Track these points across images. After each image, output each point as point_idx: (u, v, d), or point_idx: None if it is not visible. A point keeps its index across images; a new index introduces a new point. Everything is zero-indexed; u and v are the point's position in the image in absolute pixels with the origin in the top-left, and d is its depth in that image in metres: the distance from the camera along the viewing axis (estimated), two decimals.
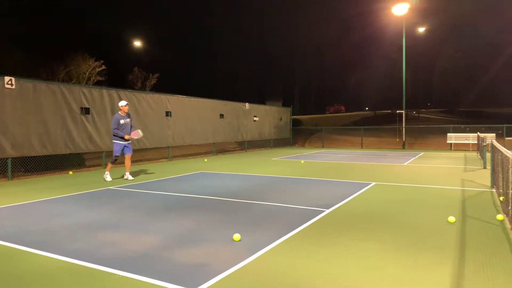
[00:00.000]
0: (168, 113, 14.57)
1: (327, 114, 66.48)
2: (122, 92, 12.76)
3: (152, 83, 38.80)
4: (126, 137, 8.94)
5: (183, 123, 15.34)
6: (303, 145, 25.17)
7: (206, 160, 14.21)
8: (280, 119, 24.03)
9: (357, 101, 74.28)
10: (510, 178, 4.87)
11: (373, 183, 8.18)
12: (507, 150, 5.29)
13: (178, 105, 15.20)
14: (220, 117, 17.76)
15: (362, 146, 22.85)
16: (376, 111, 55.89)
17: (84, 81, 31.23)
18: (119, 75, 38.96)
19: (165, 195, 7.09)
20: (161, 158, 14.79)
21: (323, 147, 23.37)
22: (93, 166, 12.21)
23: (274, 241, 4.13)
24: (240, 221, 5.06)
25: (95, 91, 11.91)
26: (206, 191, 7.41)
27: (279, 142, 23.65)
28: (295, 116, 32.02)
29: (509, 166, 4.89)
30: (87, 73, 32.45)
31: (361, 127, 25.27)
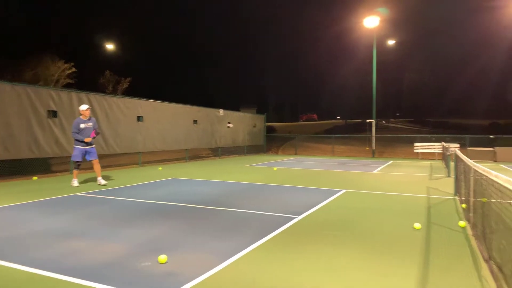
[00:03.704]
0: (139, 118, 14.31)
1: (300, 122, 67.32)
2: (92, 96, 12.43)
3: (124, 87, 38.06)
4: (86, 140, 8.62)
5: (155, 129, 15.09)
6: (276, 152, 25.33)
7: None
8: (254, 126, 24.10)
9: (330, 110, 75.74)
10: (471, 186, 5.09)
11: (343, 191, 8.33)
12: (469, 160, 5.53)
13: (150, 110, 14.96)
14: (194, 123, 17.61)
15: (333, 153, 23.26)
16: (348, 120, 57.16)
17: (53, 84, 30.23)
18: (90, 78, 37.95)
19: (134, 201, 6.92)
20: (131, 164, 14.47)
21: (295, 154, 23.60)
22: (60, 171, 11.78)
23: (245, 248, 4.11)
24: (211, 228, 5.01)
25: (64, 94, 11.54)
26: (177, 198, 7.30)
27: (253, 149, 23.69)
28: (269, 123, 32.21)
29: (471, 175, 5.11)
30: (56, 75, 31.43)
31: (333, 135, 25.75)
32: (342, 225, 5.26)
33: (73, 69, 32.19)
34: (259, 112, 34.12)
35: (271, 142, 27.73)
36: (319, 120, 68.68)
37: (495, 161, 18.29)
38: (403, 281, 3.27)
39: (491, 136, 20.91)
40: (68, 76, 32.24)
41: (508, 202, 2.97)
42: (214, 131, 19.31)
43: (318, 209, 6.31)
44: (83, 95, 12.08)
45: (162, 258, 3.64)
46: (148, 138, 14.70)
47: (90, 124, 8.73)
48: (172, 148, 16.40)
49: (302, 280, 3.27)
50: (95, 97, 12.55)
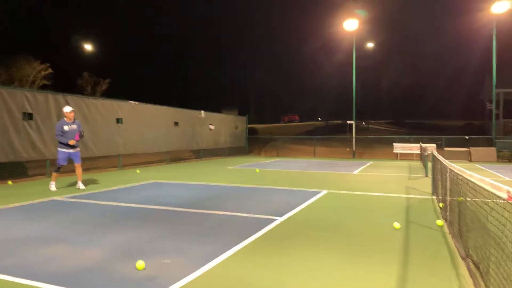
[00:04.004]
0: (119, 120, 14.07)
1: (282, 123, 67.68)
2: (69, 97, 12.15)
3: (103, 88, 37.42)
4: (71, 142, 8.42)
5: (135, 131, 14.86)
6: (258, 154, 25.36)
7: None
8: (236, 128, 24.08)
9: (311, 111, 76.59)
10: (448, 185, 5.22)
11: (325, 191, 8.41)
12: (445, 160, 5.67)
13: (130, 111, 14.73)
14: (175, 125, 17.44)
15: (314, 155, 23.47)
16: (328, 121, 57.85)
17: (28, 85, 29.42)
18: (68, 80, 37.11)
19: (113, 206, 6.79)
20: (111, 167, 14.20)
21: (277, 156, 23.69)
22: (37, 175, 11.44)
23: (226, 251, 4.09)
24: (192, 231, 4.97)
25: (40, 96, 11.23)
26: (157, 201, 7.20)
27: (235, 151, 23.65)
28: (250, 125, 32.21)
29: (447, 175, 5.25)
30: (32, 76, 30.62)
31: (314, 136, 26.00)
32: (323, 225, 5.30)
33: (50, 70, 31.42)
34: (240, 113, 34.09)
35: (253, 143, 27.75)
36: (300, 121, 69.21)
37: (470, 161, 18.85)
38: (384, 279, 3.32)
39: (466, 137, 21.55)
40: (44, 77, 31.44)
41: (482, 201, 3.06)
42: (195, 133, 19.18)
43: (300, 210, 6.34)
44: (60, 96, 11.79)
45: (140, 264, 3.54)
46: (128, 140, 14.47)
47: (74, 127, 8.55)
48: (153, 151, 16.19)
49: (284, 281, 3.28)
50: (72, 98, 12.27)
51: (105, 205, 6.79)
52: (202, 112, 19.87)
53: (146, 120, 15.49)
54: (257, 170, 13.88)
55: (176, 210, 6.33)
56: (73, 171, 9.10)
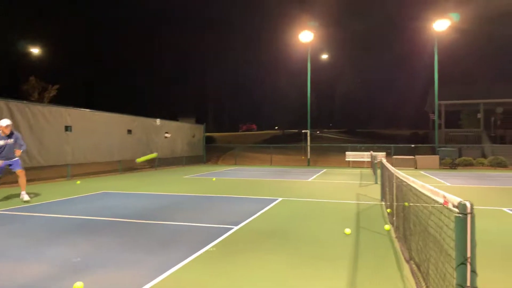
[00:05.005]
0: (68, 128, 13.40)
1: (240, 132, 67.89)
2: (12, 103, 11.39)
3: (51, 94, 35.52)
4: (17, 153, 7.90)
5: (85, 139, 14.21)
6: (216, 163, 25.21)
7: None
8: (193, 136, 23.80)
9: (268, 120, 77.62)
10: (394, 192, 5.50)
11: (280, 199, 8.52)
12: (392, 167, 5.97)
13: (80, 119, 14.09)
14: (128, 133, 16.90)
15: (271, 163, 23.74)
16: (285, 130, 58.89)
17: None
18: (11, 84, 34.85)
19: (59, 218, 6.42)
20: (58, 177, 13.44)
21: (235, 164, 23.68)
22: None
23: (180, 262, 4.01)
24: (144, 243, 4.82)
25: None
26: (108, 212, 6.91)
27: (192, 160, 23.33)
28: (208, 133, 31.98)
29: (393, 181, 5.53)
30: None
31: (271, 145, 26.33)
32: (277, 233, 5.36)
33: None
34: (198, 122, 33.77)
35: (211, 152, 27.55)
36: (258, 130, 69.82)
37: (416, 168, 19.98)
38: (334, 283, 3.42)
39: (412, 145, 22.87)
40: None
41: (422, 206, 3.25)
42: (150, 141, 18.70)
43: (256, 218, 6.37)
44: (1, 102, 11.03)
45: (78, 285, 3.20)
46: (77, 149, 13.81)
47: (11, 141, 7.94)
48: (105, 160, 15.55)
49: None
50: (16, 105, 11.53)
51: (51, 218, 6.41)
52: (158, 120, 19.45)
53: (97, 128, 14.87)
54: (214, 179, 13.79)
55: (127, 221, 6.11)
56: (17, 181, 8.49)
